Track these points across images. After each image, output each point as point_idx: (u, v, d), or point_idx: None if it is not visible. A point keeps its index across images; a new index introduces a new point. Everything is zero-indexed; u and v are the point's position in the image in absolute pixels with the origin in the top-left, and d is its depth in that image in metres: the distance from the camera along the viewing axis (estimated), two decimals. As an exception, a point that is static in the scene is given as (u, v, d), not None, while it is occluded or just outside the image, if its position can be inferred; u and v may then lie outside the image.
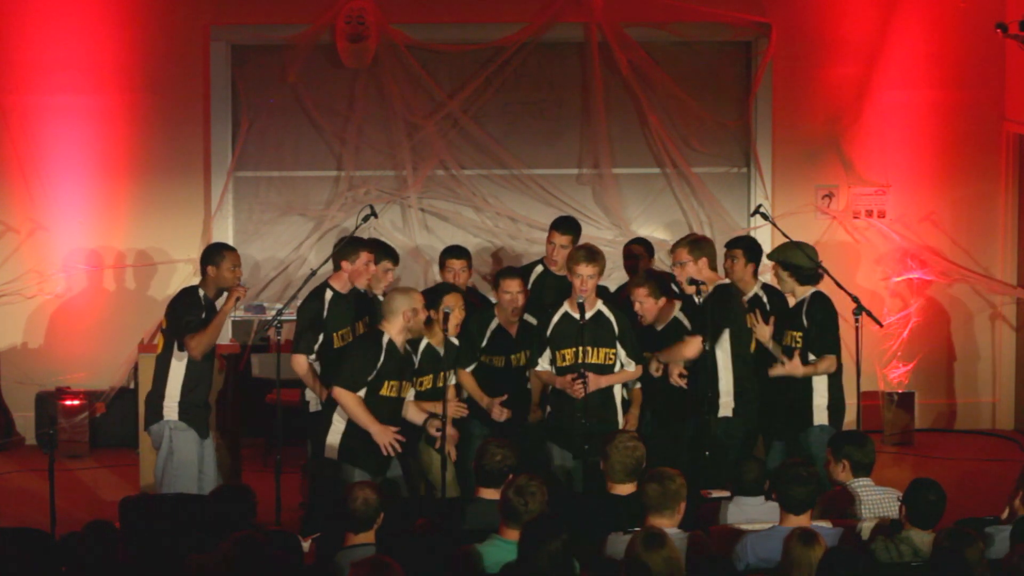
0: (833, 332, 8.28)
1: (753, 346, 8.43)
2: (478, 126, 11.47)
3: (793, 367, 8.20)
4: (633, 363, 8.24)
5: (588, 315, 8.09)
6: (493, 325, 8.72)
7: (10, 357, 11.32)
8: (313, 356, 8.31)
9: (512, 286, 8.63)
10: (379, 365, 7.79)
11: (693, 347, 8.10)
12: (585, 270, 8.06)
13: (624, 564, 5.73)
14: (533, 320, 8.66)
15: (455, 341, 8.43)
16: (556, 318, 8.22)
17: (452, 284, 8.82)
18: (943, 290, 11.64)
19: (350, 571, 5.60)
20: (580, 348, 8.08)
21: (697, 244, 8.30)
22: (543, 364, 8.29)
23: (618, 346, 8.19)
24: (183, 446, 8.23)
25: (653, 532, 5.80)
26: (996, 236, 11.65)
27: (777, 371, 8.27)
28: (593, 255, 8.12)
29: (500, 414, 8.49)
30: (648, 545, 5.69)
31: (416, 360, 8.18)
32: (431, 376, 8.29)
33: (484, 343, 8.67)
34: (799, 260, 8.36)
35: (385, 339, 7.84)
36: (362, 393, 7.81)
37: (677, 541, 6.29)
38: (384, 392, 7.84)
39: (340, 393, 7.79)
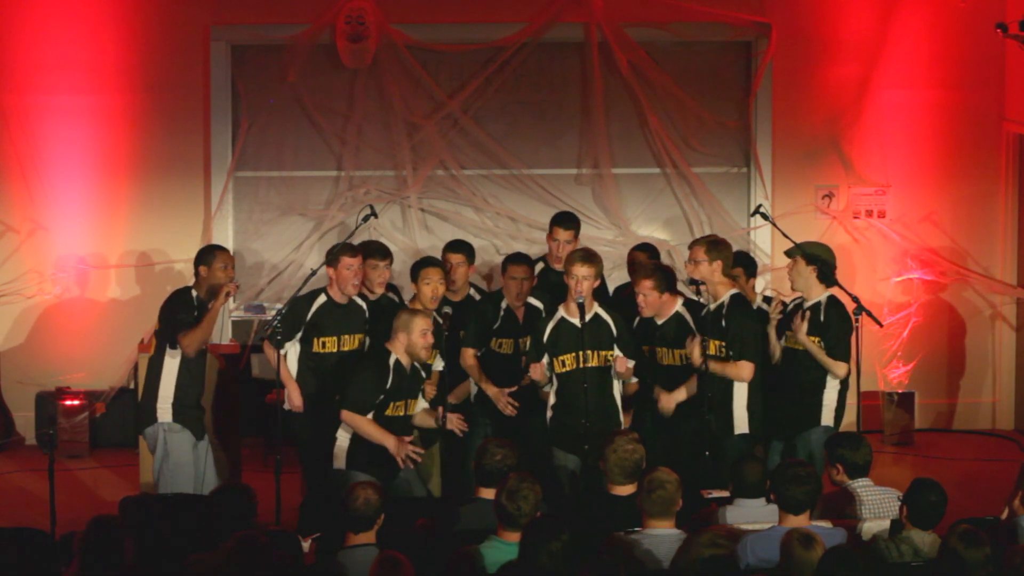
0: (848, 339, 8.25)
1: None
2: (478, 126, 11.46)
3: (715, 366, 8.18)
4: (632, 362, 8.23)
5: (587, 318, 8.08)
6: (504, 305, 8.74)
7: (10, 357, 11.32)
8: (285, 351, 8.34)
9: (519, 272, 8.64)
10: (388, 387, 7.80)
11: (748, 372, 8.10)
12: (580, 270, 8.04)
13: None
14: (538, 303, 8.67)
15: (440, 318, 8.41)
16: (552, 324, 8.18)
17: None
18: (943, 290, 11.64)
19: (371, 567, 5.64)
20: (580, 352, 8.06)
21: (715, 246, 8.26)
22: None
23: (616, 347, 8.17)
24: (178, 447, 8.25)
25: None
26: (996, 236, 11.65)
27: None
28: (590, 256, 8.11)
29: (507, 407, 8.48)
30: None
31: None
32: None
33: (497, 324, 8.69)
34: (827, 256, 8.34)
35: (392, 359, 7.86)
36: (370, 415, 7.83)
37: (677, 541, 6.31)
38: (390, 412, 7.86)
39: (349, 416, 7.84)
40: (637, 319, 8.45)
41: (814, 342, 8.19)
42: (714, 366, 8.09)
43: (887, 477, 9.11)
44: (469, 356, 8.70)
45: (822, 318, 8.22)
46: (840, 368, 8.18)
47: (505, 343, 8.70)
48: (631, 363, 8.17)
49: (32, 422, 11.09)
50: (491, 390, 8.55)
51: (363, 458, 7.84)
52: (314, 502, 8.23)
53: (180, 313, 8.25)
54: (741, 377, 8.11)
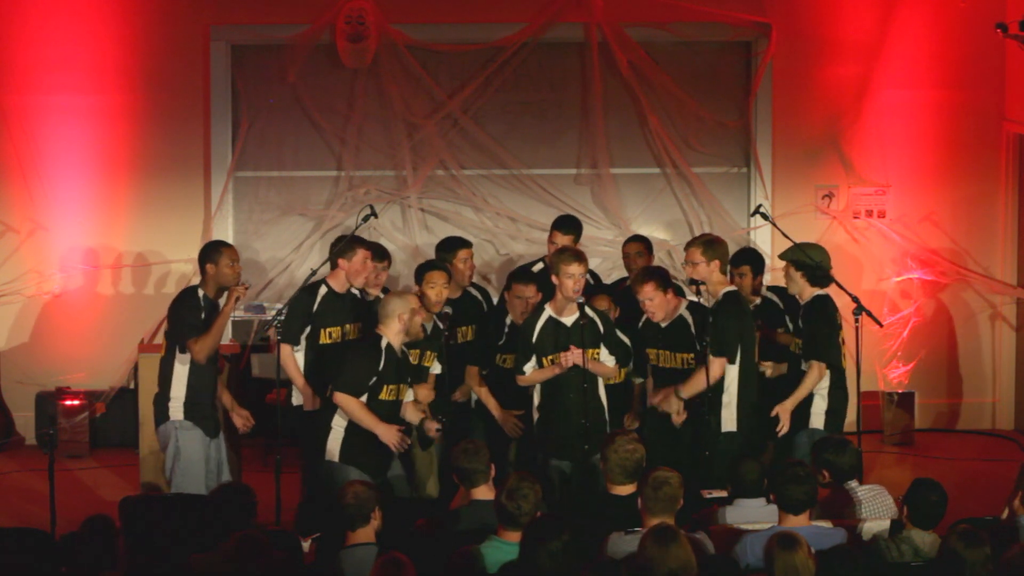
0: (825, 337, 8.17)
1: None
2: (478, 126, 11.47)
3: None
4: (613, 359, 8.23)
5: (573, 318, 8.08)
6: (508, 321, 8.73)
7: (10, 357, 11.32)
8: (299, 347, 8.33)
9: (527, 291, 8.62)
10: (380, 369, 7.79)
11: (718, 370, 8.07)
12: (578, 269, 8.04)
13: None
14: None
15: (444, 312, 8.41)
16: (540, 323, 8.17)
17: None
18: (943, 290, 11.64)
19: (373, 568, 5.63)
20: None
21: (711, 245, 8.25)
22: (528, 371, 8.22)
23: (602, 345, 8.17)
24: (188, 445, 8.24)
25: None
26: (996, 236, 11.66)
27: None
28: (580, 255, 8.14)
29: (514, 430, 8.57)
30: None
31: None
32: (417, 352, 8.30)
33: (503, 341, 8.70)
34: (814, 259, 8.31)
35: (383, 343, 7.84)
36: (364, 398, 7.82)
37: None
38: (383, 396, 7.85)
39: (342, 398, 7.78)
40: (644, 318, 8.44)
41: (796, 343, 8.26)
42: (684, 389, 8.09)
43: (887, 477, 9.13)
44: (474, 374, 8.71)
45: (801, 321, 8.24)
46: (813, 367, 8.13)
47: (509, 359, 8.67)
48: (611, 362, 8.17)
49: (32, 422, 11.09)
50: (497, 412, 8.63)
51: (357, 451, 7.82)
52: (312, 502, 8.23)
53: (188, 317, 8.18)
54: (714, 375, 8.06)
